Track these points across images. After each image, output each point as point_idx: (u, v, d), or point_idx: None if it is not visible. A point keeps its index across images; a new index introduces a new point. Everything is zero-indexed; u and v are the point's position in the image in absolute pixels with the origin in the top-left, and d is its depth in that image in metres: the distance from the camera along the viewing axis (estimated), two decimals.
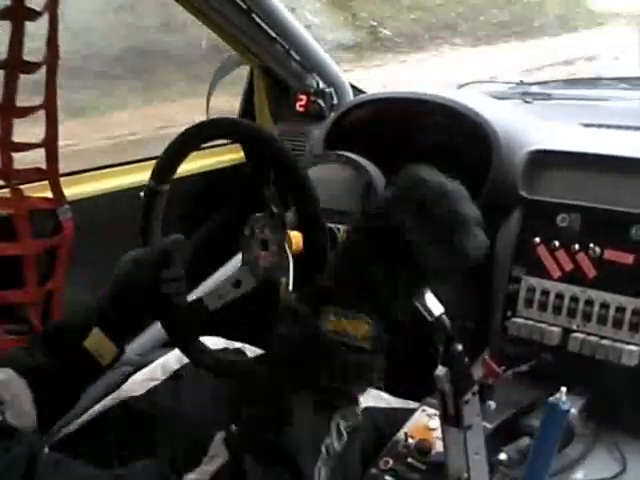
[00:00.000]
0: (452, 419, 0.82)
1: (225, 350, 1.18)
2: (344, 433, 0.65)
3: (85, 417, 1.07)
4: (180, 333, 0.97)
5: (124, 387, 1.13)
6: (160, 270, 0.97)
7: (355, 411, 0.66)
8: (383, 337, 0.67)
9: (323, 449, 0.65)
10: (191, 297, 1.64)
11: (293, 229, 1.00)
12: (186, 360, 1.13)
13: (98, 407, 1.08)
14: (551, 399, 0.93)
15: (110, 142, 3.70)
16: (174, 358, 1.18)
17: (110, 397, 1.10)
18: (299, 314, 0.65)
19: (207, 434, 1.06)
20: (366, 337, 0.65)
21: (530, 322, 1.25)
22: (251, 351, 1.27)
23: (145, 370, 1.18)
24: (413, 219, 0.69)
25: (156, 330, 1.47)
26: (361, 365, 0.66)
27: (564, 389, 0.92)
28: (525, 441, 1.12)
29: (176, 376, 1.14)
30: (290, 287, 0.93)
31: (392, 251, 0.69)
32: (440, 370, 0.79)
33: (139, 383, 1.13)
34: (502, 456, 1.10)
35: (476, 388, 0.81)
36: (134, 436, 1.03)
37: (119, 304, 0.95)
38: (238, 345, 1.21)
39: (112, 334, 0.93)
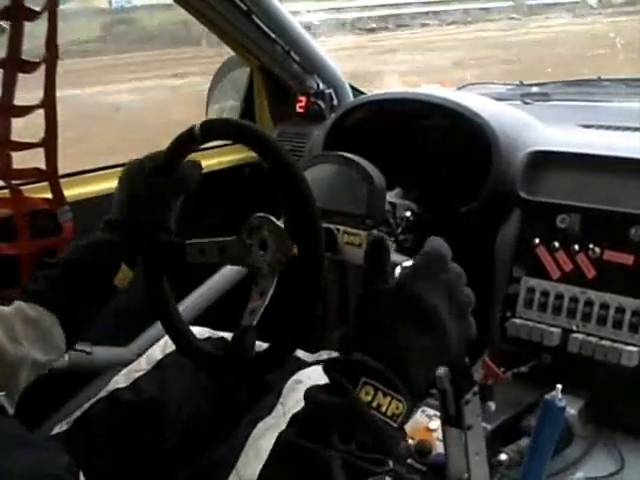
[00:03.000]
0: (453, 419, 0.82)
1: (208, 339, 1.17)
2: None
3: (75, 414, 1.07)
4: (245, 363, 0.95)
5: (111, 382, 1.13)
6: None
7: (384, 478, 0.66)
8: (410, 416, 0.69)
9: None
10: (191, 298, 1.68)
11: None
12: (169, 350, 1.14)
13: (87, 404, 1.08)
14: (547, 396, 0.94)
15: None
16: (159, 349, 1.18)
17: (98, 395, 1.11)
18: (343, 387, 0.65)
19: (193, 421, 1.07)
20: (397, 415, 0.66)
21: (530, 323, 1.25)
22: None
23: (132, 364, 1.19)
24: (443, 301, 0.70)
25: (156, 330, 1.48)
26: (394, 439, 0.67)
27: (559, 386, 0.93)
28: (525, 442, 1.12)
29: (159, 365, 1.14)
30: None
31: (439, 353, 0.70)
32: (441, 370, 0.79)
33: (124, 375, 1.14)
34: (502, 457, 1.11)
35: (477, 388, 0.81)
36: (122, 427, 1.03)
37: None
38: (221, 334, 1.20)
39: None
